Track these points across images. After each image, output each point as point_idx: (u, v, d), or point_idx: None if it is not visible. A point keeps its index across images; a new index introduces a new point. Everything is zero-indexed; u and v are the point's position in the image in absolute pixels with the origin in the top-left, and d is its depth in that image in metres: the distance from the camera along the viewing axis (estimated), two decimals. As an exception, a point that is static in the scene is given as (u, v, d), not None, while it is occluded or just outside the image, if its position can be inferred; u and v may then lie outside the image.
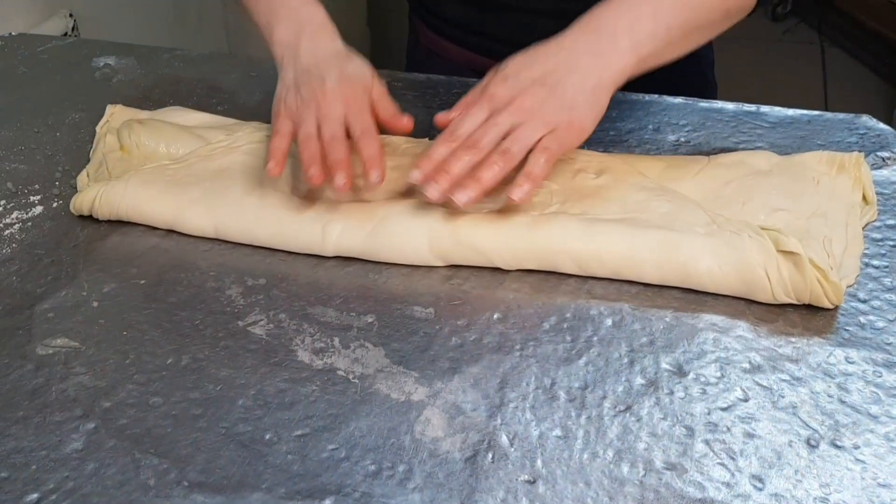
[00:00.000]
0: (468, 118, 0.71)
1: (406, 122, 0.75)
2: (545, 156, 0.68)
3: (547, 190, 0.73)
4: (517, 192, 0.67)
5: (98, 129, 0.86)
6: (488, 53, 1.00)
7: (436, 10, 1.03)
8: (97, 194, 0.76)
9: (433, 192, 0.67)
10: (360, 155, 0.71)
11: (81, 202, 0.76)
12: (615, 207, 0.71)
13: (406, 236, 0.70)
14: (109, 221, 0.76)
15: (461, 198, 0.66)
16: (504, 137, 0.68)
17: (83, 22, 1.52)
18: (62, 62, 1.04)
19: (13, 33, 1.12)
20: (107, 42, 1.08)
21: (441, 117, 0.74)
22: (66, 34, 1.50)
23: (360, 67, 0.77)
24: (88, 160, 0.83)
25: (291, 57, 0.78)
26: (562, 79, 0.70)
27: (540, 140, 0.68)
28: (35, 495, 0.53)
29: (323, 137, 0.72)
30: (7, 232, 0.76)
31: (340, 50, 0.78)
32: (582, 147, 0.74)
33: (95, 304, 0.68)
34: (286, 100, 0.76)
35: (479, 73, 0.99)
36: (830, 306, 0.64)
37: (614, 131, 0.86)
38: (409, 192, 0.73)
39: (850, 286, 0.66)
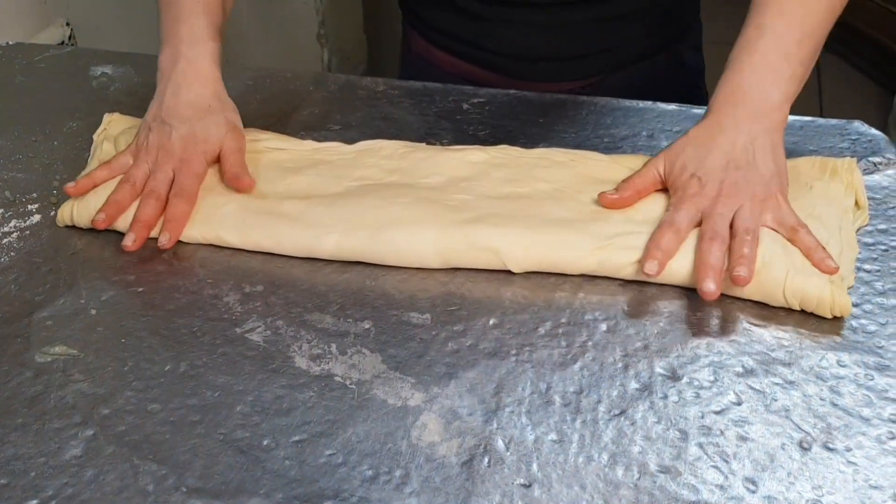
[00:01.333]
0: (682, 211, 0.70)
1: (246, 182, 0.77)
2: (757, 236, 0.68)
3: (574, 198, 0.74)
4: (743, 271, 0.65)
5: (95, 137, 0.87)
6: (480, 63, 1.01)
7: (428, 20, 1.03)
8: (73, 206, 0.76)
9: (710, 286, 0.65)
10: (165, 212, 0.75)
11: (62, 215, 0.77)
12: (630, 212, 0.72)
13: (411, 238, 0.70)
14: (106, 230, 0.76)
15: (741, 271, 0.65)
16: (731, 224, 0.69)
17: (80, 31, 1.53)
18: (60, 71, 1.04)
19: (10, 42, 1.12)
20: (104, 51, 1.09)
21: (608, 199, 0.73)
22: (63, 43, 1.51)
23: (212, 126, 0.80)
24: (85, 169, 0.83)
25: (161, 90, 0.82)
26: (745, 155, 0.71)
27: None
28: (34, 502, 0.54)
29: (145, 188, 0.76)
30: (5, 240, 0.76)
31: (205, 101, 0.81)
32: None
33: (94, 311, 0.68)
34: (138, 136, 0.80)
35: (471, 83, 1.00)
36: (831, 317, 0.65)
37: (609, 138, 0.87)
38: (407, 196, 0.74)
39: (847, 288, 0.67)
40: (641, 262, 0.67)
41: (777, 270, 0.65)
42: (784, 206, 0.70)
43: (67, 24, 1.52)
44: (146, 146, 0.79)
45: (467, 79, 1.01)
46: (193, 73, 0.82)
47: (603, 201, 0.73)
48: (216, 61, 0.83)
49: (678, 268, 0.67)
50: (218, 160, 0.79)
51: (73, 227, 0.77)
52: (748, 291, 0.66)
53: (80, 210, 0.76)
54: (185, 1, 0.83)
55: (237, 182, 0.77)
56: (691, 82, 1.05)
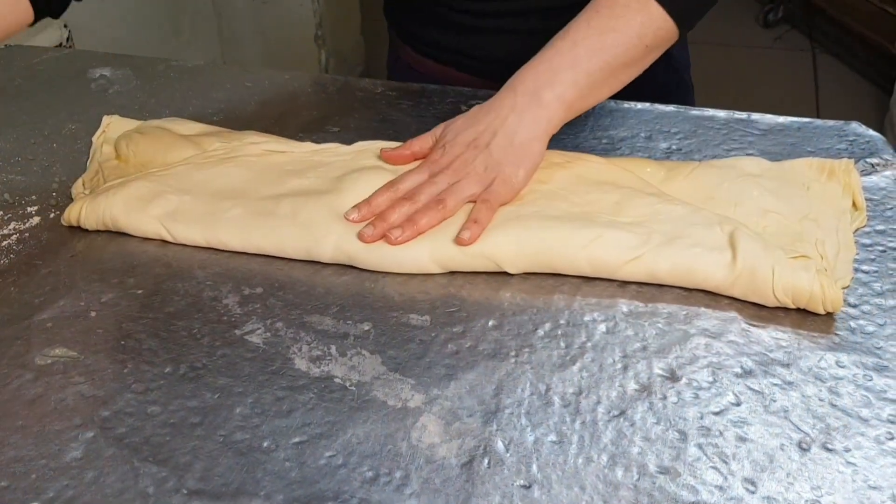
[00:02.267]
0: (409, 178, 0.75)
1: None
2: (486, 205, 0.72)
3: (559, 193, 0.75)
4: (466, 234, 0.70)
5: (94, 139, 0.87)
6: (470, 70, 1.01)
7: (415, 32, 1.04)
8: (82, 207, 0.76)
9: (368, 233, 0.71)
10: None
11: (69, 215, 0.77)
12: (626, 213, 0.72)
13: (406, 248, 0.71)
14: (107, 232, 0.77)
15: (395, 234, 0.70)
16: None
17: (77, 33, 1.53)
18: (58, 73, 1.04)
19: (9, 45, 1.12)
20: (102, 53, 1.09)
21: (386, 153, 0.79)
22: (60, 45, 1.51)
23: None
24: (85, 171, 0.83)
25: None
26: (490, 140, 0.75)
27: (476, 195, 0.73)
28: (35, 503, 0.54)
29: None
30: (5, 243, 0.76)
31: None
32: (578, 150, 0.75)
33: (93, 314, 0.68)
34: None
35: (461, 88, 1.00)
36: (824, 312, 0.65)
37: (607, 139, 0.87)
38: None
39: (843, 288, 0.67)
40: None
41: (763, 269, 0.65)
42: (500, 196, 0.73)
43: (65, 27, 1.52)
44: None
45: (455, 85, 1.02)
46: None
47: (382, 155, 0.79)
48: None
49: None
50: None
51: (74, 229, 0.77)
52: (740, 292, 0.66)
53: (89, 211, 0.76)
54: None
55: None
56: (678, 76, 1.06)
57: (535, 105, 0.76)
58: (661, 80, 0.99)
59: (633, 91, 0.83)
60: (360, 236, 0.71)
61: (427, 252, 0.70)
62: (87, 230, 0.77)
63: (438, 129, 0.79)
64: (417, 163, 0.78)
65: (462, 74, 1.02)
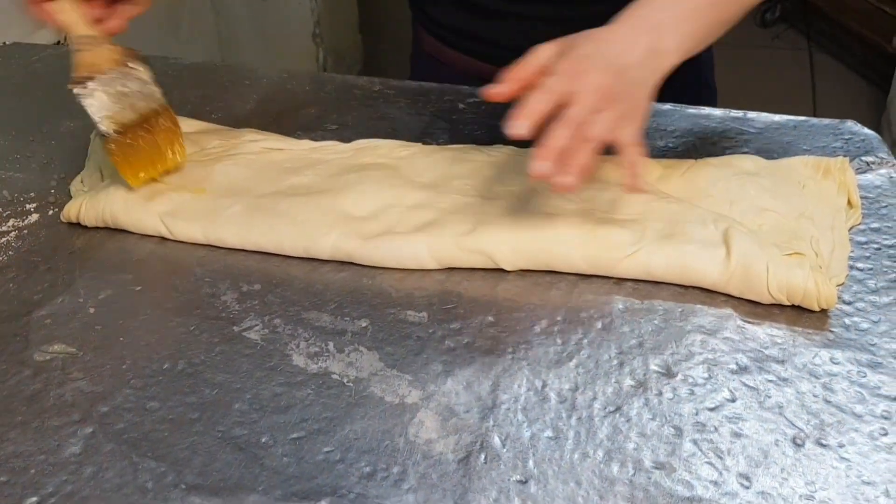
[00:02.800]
0: (552, 79, 0.68)
1: None
2: (630, 147, 0.67)
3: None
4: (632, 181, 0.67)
5: (92, 137, 0.87)
6: (494, 61, 1.00)
7: (439, 19, 1.03)
8: (81, 203, 0.76)
9: (559, 182, 0.65)
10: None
11: (69, 211, 0.77)
12: (621, 210, 0.72)
13: (405, 244, 0.71)
14: (105, 229, 0.77)
15: (567, 181, 0.65)
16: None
17: (76, 31, 1.53)
18: (56, 71, 1.04)
19: (6, 42, 1.12)
20: (101, 51, 1.09)
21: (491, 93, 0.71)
22: (58, 43, 1.51)
23: None
24: (84, 168, 0.84)
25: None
26: (623, 69, 0.68)
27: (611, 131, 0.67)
28: (34, 498, 0.54)
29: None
30: (3, 240, 0.76)
31: None
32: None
33: (92, 310, 0.69)
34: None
35: (484, 80, 0.99)
36: (818, 309, 0.65)
37: (604, 137, 0.87)
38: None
39: (839, 285, 0.67)
40: (508, 123, 0.65)
41: (757, 266, 0.66)
42: (633, 125, 0.68)
43: (63, 24, 1.52)
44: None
45: (481, 77, 1.01)
46: None
47: (486, 96, 0.71)
48: None
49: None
50: None
51: (73, 226, 0.78)
52: (735, 289, 0.67)
53: (88, 208, 0.76)
54: None
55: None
56: (702, 75, 1.05)
57: (654, 53, 0.70)
58: (687, 80, 0.99)
59: (665, 96, 0.82)
60: (554, 186, 0.65)
61: (425, 248, 0.71)
62: (85, 227, 0.77)
63: (544, 48, 0.71)
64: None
65: (488, 66, 1.00)
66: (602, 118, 0.66)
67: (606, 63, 0.68)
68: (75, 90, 0.75)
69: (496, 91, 0.70)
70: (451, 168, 0.79)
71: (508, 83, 0.70)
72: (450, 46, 1.04)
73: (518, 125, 0.65)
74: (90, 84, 0.75)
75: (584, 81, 0.67)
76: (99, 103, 0.75)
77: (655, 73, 0.70)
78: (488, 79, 1.03)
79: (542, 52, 0.71)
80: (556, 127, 0.66)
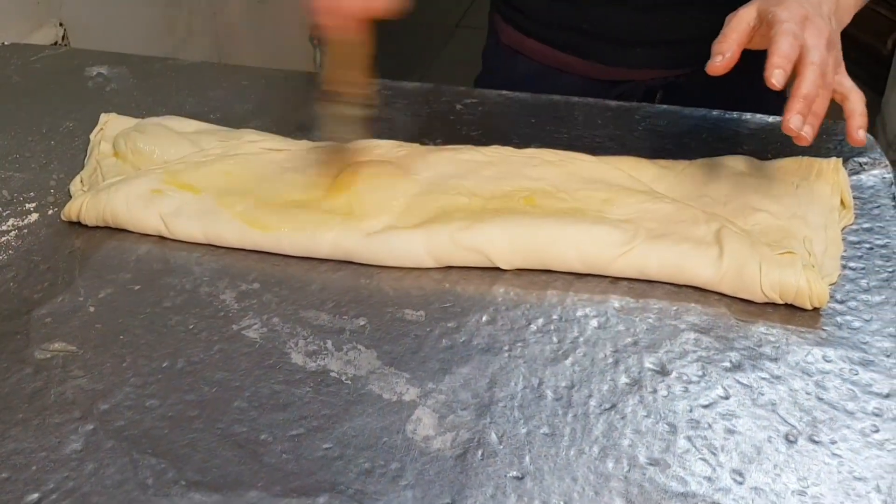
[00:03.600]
0: (814, 50, 0.68)
1: None
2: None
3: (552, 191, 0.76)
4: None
5: (92, 137, 0.88)
6: (573, 50, 0.99)
7: (520, 5, 1.02)
8: (82, 203, 0.77)
9: (805, 132, 0.67)
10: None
11: (69, 210, 0.78)
12: (615, 210, 0.73)
13: (402, 243, 0.72)
14: (105, 228, 0.77)
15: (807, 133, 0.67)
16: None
17: (73, 31, 1.53)
18: (55, 71, 1.05)
19: (5, 43, 1.13)
20: (100, 51, 1.09)
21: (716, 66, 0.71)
22: (56, 43, 1.51)
23: None
24: (83, 168, 0.84)
25: None
26: (828, 16, 0.71)
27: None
28: (36, 495, 0.54)
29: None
30: (3, 239, 0.77)
31: None
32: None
33: (92, 308, 0.69)
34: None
35: (562, 71, 0.98)
36: (811, 307, 0.66)
37: (599, 138, 0.88)
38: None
39: (831, 284, 0.68)
40: (766, 75, 0.66)
41: (750, 266, 0.66)
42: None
43: (60, 25, 1.53)
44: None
45: (558, 68, 1.00)
46: None
47: (712, 70, 0.70)
48: None
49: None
50: None
51: (72, 225, 0.78)
52: (729, 288, 0.67)
53: (89, 207, 0.77)
54: None
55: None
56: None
57: (838, 5, 0.73)
58: (756, 85, 0.99)
59: (739, 87, 0.82)
60: (797, 136, 0.67)
61: (422, 245, 0.71)
62: (85, 226, 0.78)
63: (749, 8, 0.72)
64: None
65: (567, 56, 1.00)
66: (832, 64, 0.68)
67: (816, 9, 0.69)
68: None
69: (720, 64, 0.70)
70: (449, 167, 0.79)
71: (730, 50, 0.70)
72: (530, 36, 1.03)
73: (777, 74, 0.65)
74: None
75: (812, 27, 0.68)
76: None
77: (842, 25, 0.72)
78: (567, 69, 1.01)
79: (746, 14, 0.71)
80: (807, 74, 0.66)
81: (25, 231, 0.78)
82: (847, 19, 0.76)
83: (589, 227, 0.71)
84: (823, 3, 0.72)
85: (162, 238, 0.76)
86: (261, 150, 0.83)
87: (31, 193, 0.83)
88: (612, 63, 0.99)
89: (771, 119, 0.90)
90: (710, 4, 0.93)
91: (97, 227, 0.78)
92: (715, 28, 0.93)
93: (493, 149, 0.82)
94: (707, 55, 0.92)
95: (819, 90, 0.67)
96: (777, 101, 1.01)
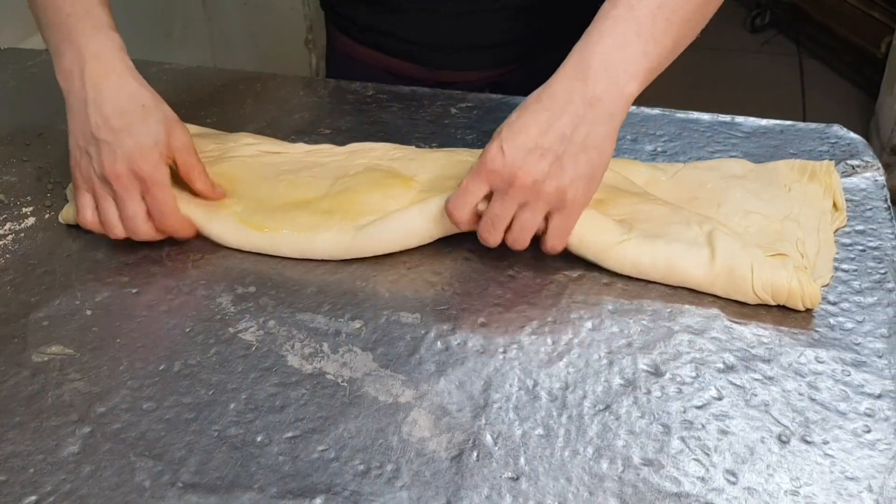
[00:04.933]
0: (475, 181, 0.69)
1: (219, 193, 0.76)
2: (562, 218, 0.68)
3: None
4: (551, 245, 0.71)
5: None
6: (401, 55, 1.03)
7: (348, 16, 1.05)
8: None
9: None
10: (151, 209, 0.73)
11: (67, 213, 0.78)
12: (610, 210, 0.74)
13: (396, 217, 0.73)
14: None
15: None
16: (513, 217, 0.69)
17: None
18: (52, 75, 1.05)
19: (2, 48, 1.13)
20: (95, 56, 1.10)
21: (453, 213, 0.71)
22: (52, 48, 1.51)
23: (155, 126, 0.72)
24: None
25: (78, 104, 0.73)
26: (560, 145, 0.66)
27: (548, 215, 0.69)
28: (33, 497, 0.55)
29: (123, 217, 0.72)
30: (0, 243, 0.77)
31: (137, 102, 0.73)
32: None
33: (89, 312, 0.69)
34: (81, 165, 0.73)
35: (394, 75, 1.02)
36: (803, 308, 0.67)
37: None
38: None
39: (824, 286, 0.69)
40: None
41: (742, 268, 0.67)
42: (572, 217, 0.68)
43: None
44: (94, 180, 0.72)
45: (390, 72, 1.03)
46: (113, 74, 0.73)
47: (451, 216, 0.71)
48: (125, 51, 0.74)
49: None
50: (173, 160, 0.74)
51: (69, 229, 0.78)
52: (721, 290, 0.68)
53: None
54: None
55: (210, 194, 0.75)
56: None
57: (612, 94, 0.66)
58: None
59: None
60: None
61: (417, 214, 0.73)
62: (81, 230, 0.78)
63: (496, 139, 0.68)
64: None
65: (396, 61, 1.03)
66: (522, 215, 0.69)
67: (530, 148, 0.67)
68: None
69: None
70: (444, 170, 0.80)
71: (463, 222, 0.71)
72: (360, 44, 1.05)
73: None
74: None
75: (517, 188, 0.67)
76: None
77: (611, 124, 0.67)
78: (397, 73, 1.05)
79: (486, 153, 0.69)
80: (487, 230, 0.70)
81: (22, 235, 0.78)
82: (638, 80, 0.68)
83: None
84: (574, 137, 0.66)
85: (159, 242, 0.76)
86: (257, 152, 0.84)
87: (28, 197, 0.83)
88: (438, 66, 1.02)
89: (764, 122, 0.91)
90: (517, 9, 0.95)
91: (93, 233, 0.78)
92: (528, 28, 0.97)
93: None
94: (525, 55, 1.01)
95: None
96: None
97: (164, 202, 0.73)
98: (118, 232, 0.73)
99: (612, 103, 0.66)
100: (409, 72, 1.02)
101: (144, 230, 0.73)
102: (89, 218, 0.74)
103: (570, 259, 0.73)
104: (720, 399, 0.60)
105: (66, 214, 0.78)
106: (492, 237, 0.70)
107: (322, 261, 0.74)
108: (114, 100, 0.72)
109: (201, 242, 0.76)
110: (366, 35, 1.04)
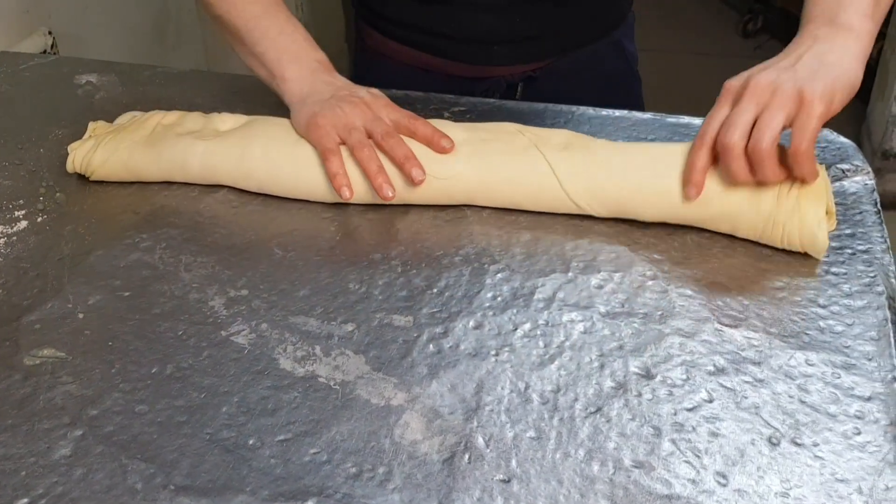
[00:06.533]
0: (712, 118, 0.72)
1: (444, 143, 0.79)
2: (805, 113, 0.68)
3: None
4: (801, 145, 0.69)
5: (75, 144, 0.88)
6: (437, 51, 1.03)
7: (382, 12, 1.05)
8: (98, 144, 0.84)
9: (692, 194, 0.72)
10: (420, 136, 0.79)
11: (75, 154, 0.84)
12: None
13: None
14: (93, 235, 0.78)
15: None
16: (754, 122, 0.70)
17: (62, 40, 1.54)
18: (44, 80, 1.05)
19: (-5, 51, 1.13)
20: (89, 60, 1.10)
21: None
22: (45, 52, 1.51)
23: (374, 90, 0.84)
24: (71, 175, 0.85)
25: (312, 91, 0.83)
26: (795, 62, 0.71)
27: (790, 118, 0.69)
28: (25, 500, 0.55)
29: (376, 137, 0.78)
30: (-8, 246, 0.77)
31: (349, 82, 0.85)
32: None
33: (81, 315, 0.69)
34: (324, 114, 0.80)
35: (428, 71, 1.02)
36: (824, 243, 0.70)
37: (586, 145, 0.89)
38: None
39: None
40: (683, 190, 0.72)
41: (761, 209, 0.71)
42: (813, 111, 0.68)
43: (49, 34, 1.53)
44: (342, 113, 0.80)
45: (424, 69, 1.04)
46: (331, 68, 0.88)
47: (687, 198, 0.73)
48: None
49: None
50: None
51: (61, 233, 0.78)
52: (741, 228, 0.73)
53: (102, 150, 0.83)
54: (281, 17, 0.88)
55: (440, 145, 0.79)
56: (629, 68, 1.10)
57: (840, 30, 0.72)
58: (617, 72, 1.03)
59: (588, 78, 0.85)
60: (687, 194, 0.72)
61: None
62: (73, 234, 0.78)
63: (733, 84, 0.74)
64: None
65: (431, 57, 1.04)
66: (768, 118, 0.69)
67: (779, 71, 0.71)
68: None
69: (693, 196, 0.73)
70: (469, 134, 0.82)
71: (697, 185, 0.73)
72: (395, 40, 1.06)
73: (689, 190, 0.73)
74: None
75: (773, 104, 0.69)
76: None
77: (847, 53, 0.72)
78: (430, 69, 1.06)
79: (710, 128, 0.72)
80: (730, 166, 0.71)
81: (14, 238, 0.78)
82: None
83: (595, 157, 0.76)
84: (818, 52, 0.71)
85: (151, 245, 0.77)
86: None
87: (21, 201, 0.83)
88: (473, 62, 1.03)
89: (755, 126, 0.91)
90: (555, 3, 0.97)
91: (86, 236, 0.78)
92: (565, 20, 0.99)
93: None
94: (560, 48, 1.04)
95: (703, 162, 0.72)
96: (626, 89, 1.05)
97: (405, 120, 0.81)
98: (368, 153, 0.78)
99: (843, 40, 0.72)
100: (442, 67, 1.03)
101: (403, 145, 0.78)
102: (339, 163, 0.79)
103: (563, 261, 0.73)
104: (711, 401, 0.60)
105: (75, 157, 0.84)
106: (730, 137, 0.69)
107: (316, 261, 0.74)
108: (342, 81, 0.88)
109: (194, 245, 0.76)
110: (402, 32, 1.04)
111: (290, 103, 0.84)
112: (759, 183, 0.70)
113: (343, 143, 0.79)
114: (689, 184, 0.72)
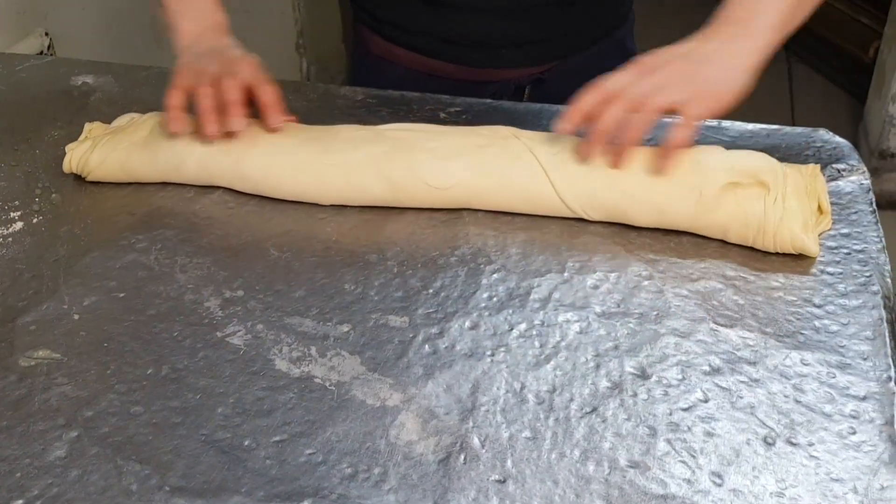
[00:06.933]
0: (614, 78, 0.76)
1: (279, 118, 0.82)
2: (688, 111, 0.73)
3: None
4: (675, 136, 0.74)
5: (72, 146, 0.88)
6: (442, 55, 1.03)
7: (386, 17, 1.05)
8: (94, 145, 0.84)
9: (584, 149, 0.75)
10: (259, 101, 0.82)
11: (73, 154, 0.84)
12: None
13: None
14: (89, 237, 0.78)
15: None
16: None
17: (58, 41, 1.54)
18: (41, 80, 1.05)
19: (-9, 52, 1.13)
20: (85, 60, 1.10)
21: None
22: (41, 53, 1.51)
23: (253, 57, 0.87)
24: (68, 176, 0.85)
25: (194, 44, 0.88)
26: (696, 58, 0.75)
27: (679, 104, 0.74)
28: (20, 501, 0.55)
29: (221, 84, 0.81)
30: (-12, 247, 0.77)
31: (238, 45, 0.89)
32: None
33: (76, 316, 0.69)
34: (189, 64, 0.85)
35: (432, 76, 1.02)
36: (815, 249, 0.71)
37: (582, 146, 0.89)
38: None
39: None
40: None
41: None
42: (704, 107, 0.73)
43: (46, 34, 1.53)
44: (203, 62, 0.83)
45: (431, 73, 1.04)
46: (223, 29, 0.90)
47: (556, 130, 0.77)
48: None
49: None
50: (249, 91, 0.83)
51: (58, 233, 0.78)
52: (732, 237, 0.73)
53: (100, 151, 0.84)
54: None
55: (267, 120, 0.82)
56: (625, 43, 1.11)
57: (743, 35, 0.76)
58: (617, 66, 1.03)
59: (594, 78, 0.86)
60: (580, 150, 0.75)
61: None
62: (69, 235, 0.78)
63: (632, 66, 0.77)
64: None
65: (436, 61, 1.03)
66: (664, 89, 0.74)
67: (679, 56, 0.76)
68: None
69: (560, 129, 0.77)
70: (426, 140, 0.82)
71: (570, 122, 0.76)
72: (399, 45, 1.05)
73: (562, 125, 0.77)
74: None
75: (655, 74, 0.76)
76: None
77: (743, 59, 0.76)
78: (437, 73, 1.06)
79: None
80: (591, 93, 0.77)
81: (10, 239, 0.78)
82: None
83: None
84: (719, 55, 0.76)
85: (147, 247, 0.77)
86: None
87: (16, 202, 0.83)
88: (480, 65, 1.03)
89: (750, 126, 0.91)
90: (560, 3, 0.97)
91: (82, 237, 0.78)
92: (571, 23, 1.00)
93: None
94: (565, 50, 1.06)
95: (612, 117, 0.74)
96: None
97: (262, 79, 0.85)
98: (209, 99, 0.81)
99: (743, 44, 0.76)
100: (449, 71, 1.03)
101: (236, 92, 0.81)
102: (178, 99, 0.83)
103: (558, 261, 0.73)
104: (706, 401, 0.60)
105: (72, 156, 0.85)
106: (609, 111, 0.73)
107: (312, 261, 0.74)
108: (225, 42, 0.90)
109: (189, 246, 0.76)
110: (406, 36, 1.04)
111: (176, 54, 0.88)
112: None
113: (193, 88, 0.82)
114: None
